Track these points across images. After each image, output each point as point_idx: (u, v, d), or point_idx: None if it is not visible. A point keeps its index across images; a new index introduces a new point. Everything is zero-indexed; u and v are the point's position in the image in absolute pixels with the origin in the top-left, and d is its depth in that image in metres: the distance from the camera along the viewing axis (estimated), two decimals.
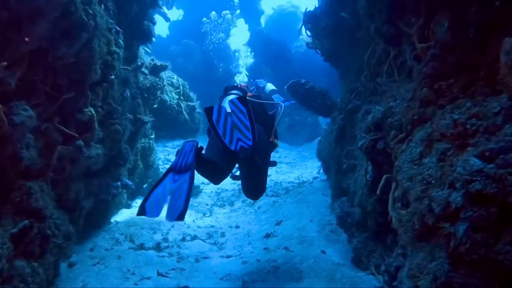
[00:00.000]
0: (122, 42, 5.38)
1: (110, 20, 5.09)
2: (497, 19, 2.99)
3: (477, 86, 3.01)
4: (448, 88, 3.34)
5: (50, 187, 4.23)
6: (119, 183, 5.87)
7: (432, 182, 2.83)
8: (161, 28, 20.77)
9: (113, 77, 5.23)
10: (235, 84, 5.34)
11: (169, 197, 3.38)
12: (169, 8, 12.18)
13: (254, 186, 4.41)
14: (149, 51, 9.93)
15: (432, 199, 2.71)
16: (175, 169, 3.52)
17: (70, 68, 4.34)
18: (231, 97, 4.34)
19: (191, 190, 3.37)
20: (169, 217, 3.25)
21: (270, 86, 6.18)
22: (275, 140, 4.62)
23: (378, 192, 3.72)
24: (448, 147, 2.82)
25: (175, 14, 21.88)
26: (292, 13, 22.89)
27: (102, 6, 4.78)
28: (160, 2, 8.32)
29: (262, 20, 22.65)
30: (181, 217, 3.18)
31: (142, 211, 3.45)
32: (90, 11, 4.29)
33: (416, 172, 3.13)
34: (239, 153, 3.77)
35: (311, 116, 15.97)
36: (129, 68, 5.86)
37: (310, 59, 18.26)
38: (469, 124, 2.69)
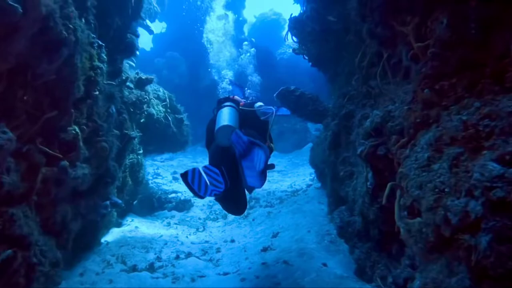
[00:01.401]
0: (105, 57, 5.17)
1: (92, 34, 4.88)
2: (499, 13, 2.87)
3: (484, 84, 2.86)
4: (451, 88, 3.19)
5: (35, 211, 3.99)
6: (108, 202, 5.63)
7: (446, 190, 2.65)
8: (144, 41, 20.51)
9: (97, 93, 5.01)
10: (227, 96, 5.22)
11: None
12: (152, 21, 12.01)
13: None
14: (134, 64, 9.72)
15: (448, 208, 2.52)
16: (242, 155, 3.85)
17: (51, 86, 4.12)
18: (226, 109, 4.48)
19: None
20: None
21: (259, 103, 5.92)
22: (271, 144, 4.69)
23: (384, 201, 3.54)
24: (461, 151, 2.64)
25: (158, 26, 21.73)
26: (274, 20, 22.92)
27: (83, 20, 4.57)
28: (143, 15, 8.13)
29: (245, 29, 22.59)
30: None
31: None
32: (70, 26, 4.07)
33: (425, 179, 2.95)
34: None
35: (299, 122, 15.87)
36: (114, 83, 5.65)
37: (295, 65, 18.27)
38: (482, 125, 2.53)
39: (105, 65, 5.18)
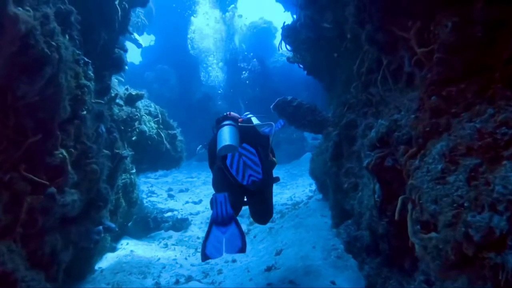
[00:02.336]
0: (92, 74, 4.92)
1: (77, 51, 4.63)
2: (506, 14, 2.68)
3: (496, 89, 2.67)
4: (460, 94, 2.99)
5: (20, 244, 3.72)
6: (101, 227, 5.33)
7: (465, 204, 2.43)
8: (133, 54, 20.36)
9: (85, 112, 4.75)
10: (225, 114, 5.11)
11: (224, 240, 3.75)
12: (140, 34, 11.81)
13: (265, 212, 4.78)
14: (123, 80, 9.50)
15: (469, 225, 2.30)
16: (218, 222, 3.87)
17: (35, 108, 3.87)
18: (226, 128, 4.52)
19: (244, 234, 3.84)
20: (229, 250, 3.73)
21: (255, 120, 5.72)
22: (273, 158, 4.91)
23: (396, 216, 3.30)
24: (478, 162, 2.43)
25: (146, 39, 21.48)
26: (265, 28, 22.79)
27: (67, 36, 4.32)
28: (131, 29, 7.90)
29: (236, 39, 22.44)
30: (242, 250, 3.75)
31: (205, 258, 3.74)
32: (53, 43, 3.84)
33: (441, 193, 2.73)
34: (249, 186, 4.37)
35: (296, 132, 15.68)
36: (102, 101, 5.39)
37: (288, 74, 18.14)
38: (499, 134, 2.33)
39: (93, 82, 4.93)
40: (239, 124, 4.81)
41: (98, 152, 5.17)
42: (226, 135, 4.39)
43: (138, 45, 11.51)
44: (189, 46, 18.19)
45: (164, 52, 20.17)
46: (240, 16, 21.50)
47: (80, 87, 4.61)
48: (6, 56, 3.38)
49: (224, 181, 4.48)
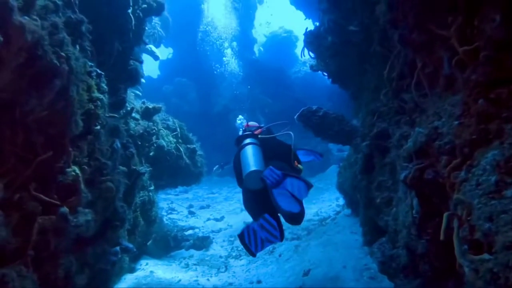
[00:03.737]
0: (105, 87, 4.69)
1: (89, 63, 4.42)
2: None
3: None
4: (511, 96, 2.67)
5: (32, 268, 3.44)
6: (118, 248, 5.08)
7: None
8: (151, 68, 20.36)
9: (98, 127, 4.52)
10: (245, 131, 5.10)
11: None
12: (157, 46, 11.69)
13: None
14: (140, 93, 9.33)
15: None
16: (273, 186, 3.83)
17: (44, 123, 3.64)
18: (250, 149, 4.48)
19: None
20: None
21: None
22: (299, 165, 4.70)
23: (442, 236, 2.93)
24: None
25: (164, 52, 21.48)
26: (286, 38, 22.56)
27: (77, 46, 4.10)
28: (146, 40, 7.73)
29: (256, 49, 22.29)
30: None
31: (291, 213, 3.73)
32: (62, 54, 3.61)
33: (497, 209, 2.41)
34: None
35: (320, 144, 15.28)
36: (117, 115, 5.15)
37: (311, 84, 17.86)
38: None
39: (106, 96, 4.70)
40: (259, 136, 4.83)
41: (113, 168, 4.94)
42: (251, 159, 4.35)
43: (155, 57, 11.39)
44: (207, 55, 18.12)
45: (182, 65, 20.05)
46: (269, 23, 21.35)
47: (93, 100, 4.38)
48: (12, 68, 3.16)
49: (257, 202, 4.32)
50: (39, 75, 3.38)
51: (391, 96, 5.03)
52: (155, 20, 12.71)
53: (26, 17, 3.17)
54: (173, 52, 21.82)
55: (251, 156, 4.39)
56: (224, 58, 18.77)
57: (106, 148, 4.83)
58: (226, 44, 19.33)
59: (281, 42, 22.74)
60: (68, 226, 3.81)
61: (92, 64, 4.53)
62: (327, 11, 6.27)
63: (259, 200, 4.25)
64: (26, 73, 3.27)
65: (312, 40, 7.42)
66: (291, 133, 4.83)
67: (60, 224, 3.74)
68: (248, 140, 4.63)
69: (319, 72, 8.49)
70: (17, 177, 3.38)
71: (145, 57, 12.41)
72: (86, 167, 4.25)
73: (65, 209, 3.76)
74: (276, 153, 4.64)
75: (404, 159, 3.55)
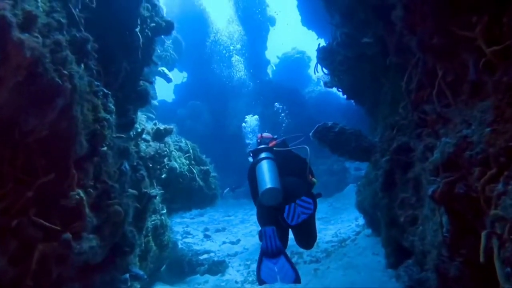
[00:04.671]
0: (112, 107, 4.53)
1: (95, 82, 4.26)
2: None
3: None
4: None
5: None
6: (127, 275, 4.85)
7: None
8: (166, 92, 20.43)
9: (105, 148, 4.34)
10: (260, 144, 5.15)
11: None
12: (171, 69, 11.65)
13: (309, 236, 4.66)
14: (153, 116, 9.22)
15: None
16: (268, 254, 3.89)
17: (46, 144, 3.47)
18: (265, 164, 4.50)
19: (294, 266, 3.85)
20: (284, 280, 3.71)
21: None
22: (313, 178, 4.75)
23: (481, 258, 2.62)
24: None
25: (179, 76, 21.60)
26: (298, 59, 22.66)
27: (82, 65, 3.95)
28: (159, 62, 7.64)
29: (269, 70, 22.30)
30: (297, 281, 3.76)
31: (262, 282, 3.75)
32: (65, 72, 3.45)
33: None
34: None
35: (336, 162, 14.99)
36: (123, 135, 4.96)
37: (325, 103, 17.76)
38: None
39: (114, 116, 4.53)
40: (274, 148, 4.87)
41: (121, 191, 4.73)
42: (267, 175, 4.36)
43: (168, 80, 11.34)
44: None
45: (196, 88, 20.18)
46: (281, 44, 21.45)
47: (99, 120, 4.21)
48: (11, 86, 3.00)
49: (270, 216, 4.41)
50: (40, 93, 3.21)
51: (410, 109, 4.79)
52: (168, 43, 12.76)
53: (26, 34, 3.03)
54: (188, 76, 21.95)
55: (266, 172, 4.39)
56: (237, 73, 18.81)
57: (113, 170, 4.64)
58: (240, 66, 19.38)
59: (294, 63, 22.81)
60: (71, 253, 3.59)
61: (99, 84, 4.38)
62: (339, 24, 6.08)
63: (272, 216, 4.32)
64: (25, 91, 3.11)
65: (325, 55, 7.24)
66: (306, 147, 4.85)
67: (63, 251, 3.52)
68: (263, 155, 4.64)
69: (333, 90, 8.32)
70: (15, 202, 3.19)
71: (159, 80, 12.43)
72: (91, 190, 4.05)
73: (68, 235, 3.54)
74: (290, 167, 4.67)
75: (430, 173, 3.26)
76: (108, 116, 4.37)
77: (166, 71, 10.85)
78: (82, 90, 3.73)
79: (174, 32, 13.64)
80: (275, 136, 5.42)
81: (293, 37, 32.53)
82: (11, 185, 3.16)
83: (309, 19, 17.82)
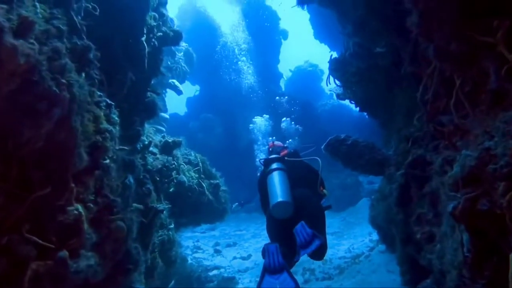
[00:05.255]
0: (116, 118, 4.38)
1: (98, 92, 4.12)
2: None
3: None
4: None
5: None
6: None
7: None
8: (178, 105, 20.44)
9: (107, 161, 4.17)
10: (274, 156, 4.96)
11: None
12: (181, 82, 11.55)
13: (319, 248, 4.35)
14: (164, 129, 9.10)
15: None
16: (270, 271, 3.87)
17: (43, 156, 3.31)
18: (276, 176, 4.47)
19: (296, 280, 3.79)
20: None
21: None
22: (324, 190, 4.70)
23: (511, 283, 2.37)
24: None
25: (191, 90, 21.60)
26: (311, 72, 22.56)
27: (83, 74, 3.81)
28: (169, 73, 7.53)
29: (282, 83, 22.20)
30: None
31: None
32: (63, 80, 3.31)
33: None
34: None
35: (349, 176, 14.69)
36: (126, 147, 4.80)
37: (338, 116, 17.59)
38: None
39: (117, 128, 4.38)
40: (285, 158, 4.82)
41: (125, 206, 4.58)
42: (278, 187, 4.34)
43: (178, 92, 11.24)
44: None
45: (209, 101, 20.14)
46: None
47: (101, 132, 4.05)
48: (3, 94, 2.86)
49: (279, 228, 4.42)
50: (35, 103, 3.07)
51: (425, 120, 4.57)
52: (179, 55, 12.70)
53: (20, 40, 2.89)
54: (200, 89, 21.95)
55: (278, 184, 4.38)
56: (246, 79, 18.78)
57: (117, 184, 4.48)
58: (248, 71, 19.38)
59: (306, 76, 22.68)
60: (68, 272, 3.40)
61: (101, 94, 4.24)
62: (352, 34, 5.90)
63: (281, 229, 4.32)
64: (19, 100, 2.97)
65: (338, 67, 7.05)
66: (318, 159, 4.80)
67: (58, 270, 3.33)
68: (275, 165, 4.62)
69: (346, 103, 8.13)
70: (6, 217, 3.02)
71: (170, 93, 12.35)
72: (91, 205, 3.87)
73: (64, 253, 3.36)
74: (302, 177, 4.64)
75: (450, 188, 3.03)
76: (111, 128, 4.22)
77: (176, 83, 10.76)
78: (82, 100, 3.58)
79: (185, 45, 13.67)
80: (286, 145, 5.45)
81: (306, 51, 32.53)
82: (1, 200, 2.99)
83: (322, 32, 17.77)
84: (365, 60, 6.00)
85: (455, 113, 3.80)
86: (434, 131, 4.38)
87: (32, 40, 3.04)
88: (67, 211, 3.53)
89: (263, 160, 4.96)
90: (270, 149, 5.39)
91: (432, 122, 4.40)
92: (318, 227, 4.28)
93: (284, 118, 8.38)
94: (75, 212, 3.58)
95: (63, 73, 3.35)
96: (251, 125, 5.94)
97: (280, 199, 4.25)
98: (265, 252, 4.03)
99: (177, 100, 15.94)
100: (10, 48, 2.76)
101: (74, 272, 3.47)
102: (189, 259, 8.85)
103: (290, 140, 5.36)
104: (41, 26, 3.28)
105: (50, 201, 3.38)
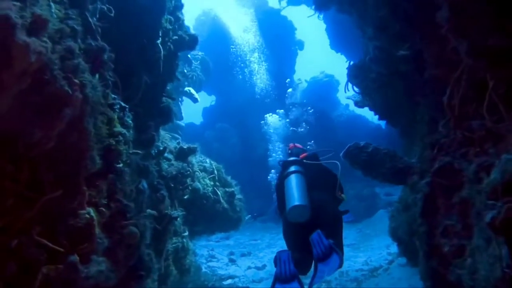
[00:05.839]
0: (130, 122, 4.28)
1: (112, 95, 4.02)
2: None
3: None
4: None
5: None
6: None
7: None
8: (194, 115, 20.44)
9: (121, 165, 4.06)
10: (292, 159, 4.95)
11: None
12: (198, 90, 11.46)
13: None
14: (179, 137, 9.00)
15: None
16: (281, 279, 3.83)
17: (54, 158, 3.21)
18: (294, 179, 4.44)
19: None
20: None
21: None
22: (342, 194, 4.68)
23: None
24: None
25: (207, 100, 21.77)
26: (327, 82, 22.33)
27: (97, 76, 3.70)
28: (185, 81, 7.43)
29: (298, 93, 22.05)
30: None
31: None
32: (76, 81, 3.20)
33: None
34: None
35: (366, 187, 14.41)
36: (140, 152, 4.67)
37: (354, 127, 17.33)
38: None
39: (132, 132, 4.27)
40: (304, 161, 4.78)
41: (138, 212, 4.45)
42: (295, 190, 4.31)
43: (194, 100, 11.14)
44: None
45: (225, 111, 20.07)
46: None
47: (114, 135, 3.96)
48: (13, 93, 2.74)
49: (295, 234, 4.39)
50: (47, 103, 2.97)
51: (452, 126, 4.36)
52: (196, 63, 12.66)
53: (33, 38, 2.79)
54: (216, 99, 21.93)
55: (295, 187, 4.34)
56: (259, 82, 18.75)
57: (130, 188, 4.36)
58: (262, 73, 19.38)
59: (322, 87, 22.47)
60: (78, 277, 3.27)
61: (115, 97, 4.14)
62: (372, 37, 5.72)
63: (297, 233, 4.31)
64: (30, 100, 2.86)
65: (357, 73, 6.88)
66: (337, 162, 4.79)
67: (69, 275, 3.21)
68: (293, 168, 4.59)
69: (363, 113, 7.97)
70: (16, 220, 2.91)
71: (186, 102, 12.29)
72: (104, 210, 3.76)
73: (74, 257, 3.24)
74: (320, 181, 4.62)
75: (487, 196, 2.81)
76: (125, 131, 4.12)
77: (192, 91, 10.67)
78: (95, 101, 3.49)
79: (201, 53, 13.63)
80: (306, 148, 5.45)
81: (321, 61, 32.42)
82: (10, 202, 2.88)
83: (338, 42, 17.59)
84: (386, 65, 5.81)
85: (488, 117, 3.60)
86: (462, 138, 4.18)
87: (45, 39, 2.95)
88: (78, 215, 3.41)
89: (281, 162, 4.94)
90: (289, 151, 5.36)
91: (460, 128, 4.20)
92: (335, 234, 4.22)
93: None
94: (87, 216, 3.47)
95: (76, 73, 3.26)
96: (262, 121, 5.94)
97: (296, 202, 4.22)
98: (277, 260, 3.98)
99: (193, 109, 15.90)
100: (22, 45, 2.65)
101: (85, 277, 3.35)
102: (203, 267, 8.69)
103: (312, 141, 5.34)
104: (55, 25, 3.19)
105: (61, 204, 3.27)
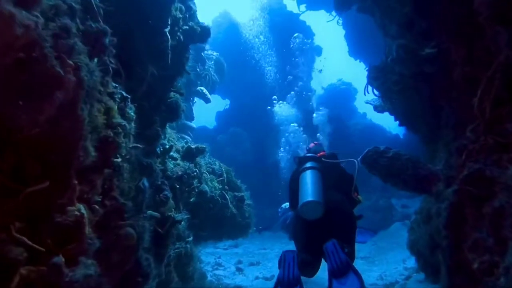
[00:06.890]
0: (132, 114, 3.97)
1: (112, 83, 3.71)
2: None
3: None
4: None
5: None
6: None
7: None
8: (207, 119, 20.28)
9: (119, 160, 3.74)
10: (309, 153, 5.02)
11: None
12: (211, 92, 11.20)
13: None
14: (190, 138, 8.73)
15: None
16: (284, 284, 3.70)
17: (42, 145, 2.89)
18: (309, 174, 4.34)
19: None
20: None
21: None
22: (358, 196, 4.64)
23: None
24: None
25: (221, 104, 21.75)
26: (344, 90, 22.14)
27: (95, 60, 3.40)
28: (197, 80, 7.15)
29: (314, 100, 21.77)
30: None
31: None
32: (70, 62, 2.89)
33: None
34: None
35: (382, 199, 13.96)
36: (141, 146, 4.36)
37: (370, 135, 17.00)
38: None
39: (133, 124, 3.95)
40: (322, 159, 4.72)
41: (137, 212, 4.12)
42: (309, 186, 4.22)
43: (206, 100, 10.89)
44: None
45: (238, 115, 19.88)
46: (320, 71, 21.04)
47: (113, 126, 3.64)
48: None
49: (306, 232, 4.34)
50: (34, 83, 2.66)
51: (483, 131, 3.97)
52: (210, 63, 12.42)
53: (21, 10, 2.50)
54: (230, 103, 21.79)
55: (310, 183, 4.27)
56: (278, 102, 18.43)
57: (129, 186, 4.05)
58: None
59: (339, 94, 22.24)
60: (62, 281, 2.94)
61: (117, 86, 3.84)
62: (396, 35, 5.37)
63: (308, 232, 4.25)
64: (16, 80, 2.56)
65: (377, 75, 6.51)
66: (355, 160, 4.79)
67: (51, 278, 2.88)
68: (309, 164, 4.54)
69: (380, 124, 7.59)
70: None
71: (199, 105, 12.05)
72: (97, 207, 3.44)
73: (59, 259, 2.89)
74: (336, 181, 4.58)
75: None
76: (125, 123, 3.79)
77: (205, 91, 10.42)
78: (91, 86, 3.17)
79: (216, 53, 13.41)
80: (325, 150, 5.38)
81: (339, 68, 32.17)
82: None
83: (357, 49, 17.29)
84: (410, 66, 5.46)
85: None
86: (493, 143, 3.79)
87: (36, 13, 2.66)
88: (67, 211, 3.07)
89: (297, 158, 4.88)
90: (308, 149, 5.30)
91: (492, 133, 3.82)
92: (349, 239, 4.16)
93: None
94: (77, 213, 3.12)
95: (70, 54, 2.94)
96: (268, 107, 5.85)
97: (310, 198, 4.14)
98: (281, 261, 3.90)
99: (206, 113, 15.65)
100: (8, 16, 2.36)
101: (69, 281, 3.02)
102: (208, 275, 8.34)
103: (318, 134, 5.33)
104: (50, 1, 2.92)
105: (48, 198, 2.95)
